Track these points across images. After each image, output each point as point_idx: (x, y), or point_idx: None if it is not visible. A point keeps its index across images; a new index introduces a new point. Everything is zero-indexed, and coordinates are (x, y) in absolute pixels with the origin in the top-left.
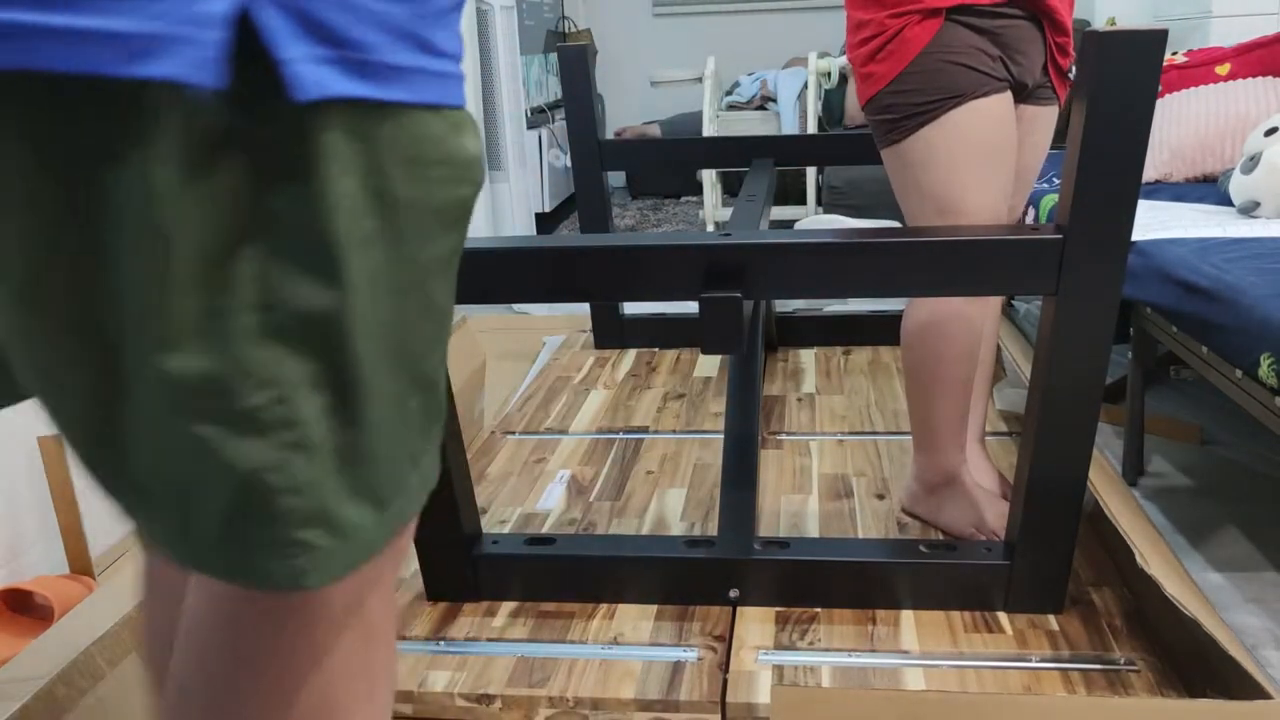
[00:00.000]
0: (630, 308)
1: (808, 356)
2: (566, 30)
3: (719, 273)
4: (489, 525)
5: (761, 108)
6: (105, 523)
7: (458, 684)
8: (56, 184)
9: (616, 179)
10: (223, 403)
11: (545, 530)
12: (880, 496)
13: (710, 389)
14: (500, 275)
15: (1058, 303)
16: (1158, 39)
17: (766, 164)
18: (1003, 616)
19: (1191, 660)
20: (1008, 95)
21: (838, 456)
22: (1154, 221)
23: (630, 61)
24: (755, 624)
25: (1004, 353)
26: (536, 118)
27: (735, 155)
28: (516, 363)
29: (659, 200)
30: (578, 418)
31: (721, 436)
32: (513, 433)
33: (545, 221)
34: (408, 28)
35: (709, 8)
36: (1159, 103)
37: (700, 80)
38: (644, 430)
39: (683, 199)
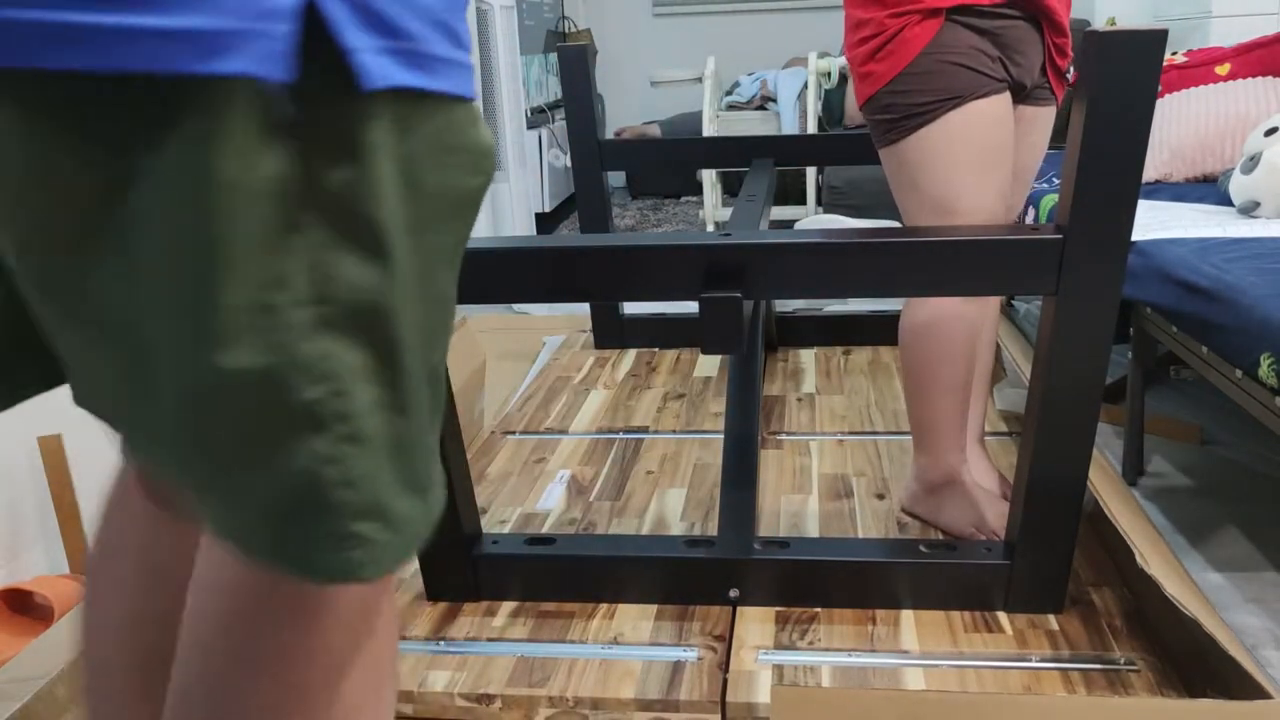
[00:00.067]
0: (630, 308)
1: (808, 356)
2: (566, 30)
3: (719, 273)
4: (489, 525)
5: (761, 108)
6: None
7: (458, 684)
8: (113, 179)
9: (616, 179)
10: (279, 397)
11: (545, 530)
12: (880, 496)
13: (710, 389)
14: (500, 275)
15: (1058, 303)
16: (1158, 39)
17: (766, 164)
18: (1003, 616)
19: (1191, 660)
20: (1006, 96)
21: (838, 456)
22: (1154, 221)
23: (630, 61)
24: (755, 624)
25: (1004, 353)
26: (536, 118)
27: (735, 155)
28: (516, 363)
29: (659, 200)
30: (578, 418)
31: (721, 436)
32: (513, 433)
33: (545, 221)
34: (443, 18)
35: (709, 8)
36: (1159, 103)
37: (700, 80)
38: (644, 430)
39: (683, 199)
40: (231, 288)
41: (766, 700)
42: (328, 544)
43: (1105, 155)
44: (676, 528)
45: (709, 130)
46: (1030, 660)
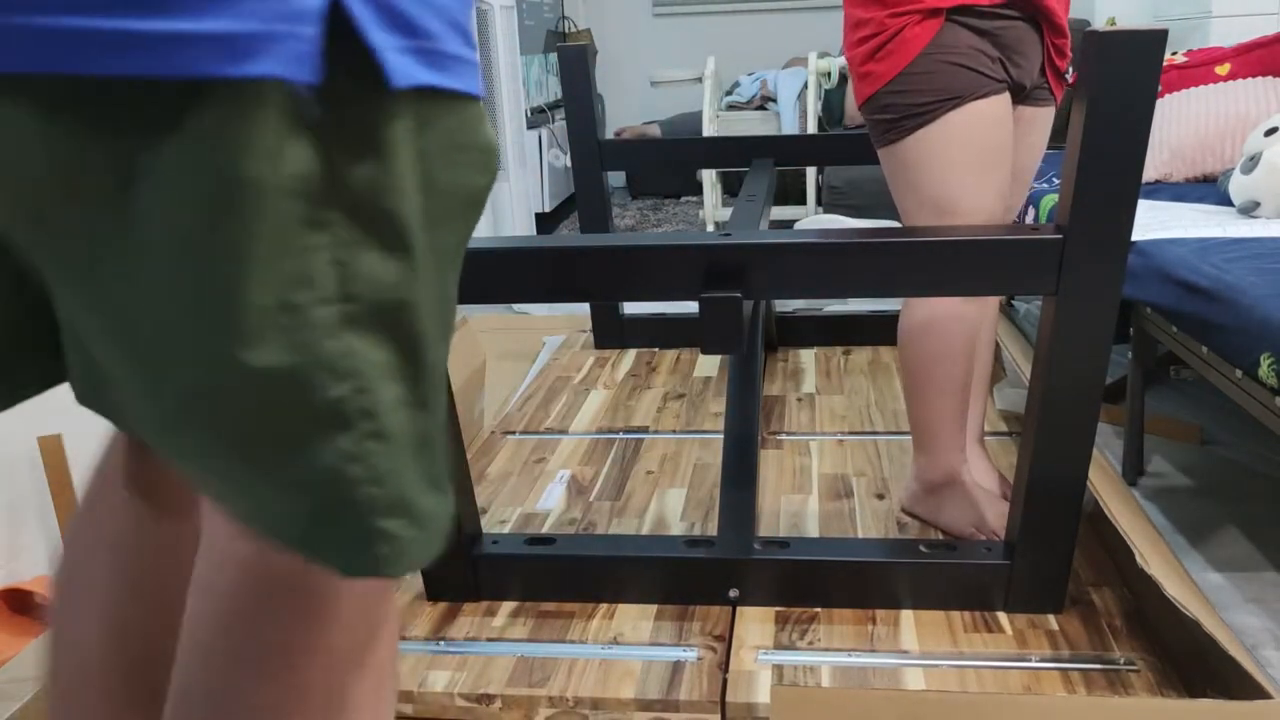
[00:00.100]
0: (630, 308)
1: (808, 356)
2: (566, 30)
3: (719, 273)
4: (489, 525)
5: (761, 108)
6: None
7: (458, 684)
8: (139, 178)
9: (616, 179)
10: (304, 396)
11: (545, 530)
12: (880, 496)
13: (710, 389)
14: (500, 275)
15: (1058, 303)
16: (1158, 39)
17: (766, 164)
18: (1003, 616)
19: (1191, 660)
20: (1006, 96)
21: (838, 456)
22: (1154, 221)
23: (630, 61)
24: (755, 624)
25: (1004, 353)
26: (536, 118)
27: (735, 155)
28: (516, 363)
29: (659, 200)
30: (578, 418)
31: (721, 436)
32: (513, 433)
33: (545, 221)
34: (456, 17)
35: (709, 8)
36: (1159, 103)
37: (700, 80)
38: (644, 430)
39: (683, 199)
40: (256, 287)
41: (766, 700)
42: (355, 541)
43: (1105, 155)
44: (676, 528)
45: (709, 130)
46: (1030, 660)
